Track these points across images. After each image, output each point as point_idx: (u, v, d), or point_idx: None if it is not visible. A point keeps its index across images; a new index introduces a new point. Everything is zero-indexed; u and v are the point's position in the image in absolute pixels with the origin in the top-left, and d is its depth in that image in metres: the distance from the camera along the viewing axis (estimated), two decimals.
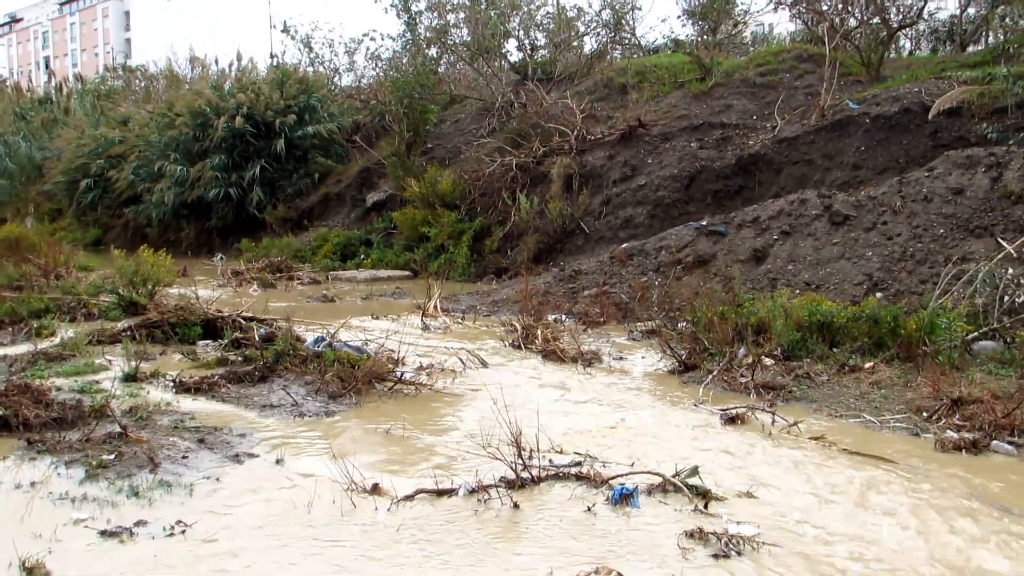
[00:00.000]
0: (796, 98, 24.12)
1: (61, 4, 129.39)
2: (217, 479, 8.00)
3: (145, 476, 7.96)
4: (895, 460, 8.63)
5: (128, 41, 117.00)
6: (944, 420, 9.75)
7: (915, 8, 26.24)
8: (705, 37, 30.87)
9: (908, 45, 32.87)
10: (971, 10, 28.97)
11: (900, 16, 26.23)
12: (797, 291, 15.21)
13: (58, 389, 10.69)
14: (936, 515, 7.32)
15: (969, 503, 7.58)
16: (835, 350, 12.31)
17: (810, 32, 28.85)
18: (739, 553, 6.49)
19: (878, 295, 14.54)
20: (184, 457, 8.54)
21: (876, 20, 25.73)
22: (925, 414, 9.97)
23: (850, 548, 6.67)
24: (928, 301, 13.15)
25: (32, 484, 7.77)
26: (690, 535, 6.73)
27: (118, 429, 9.00)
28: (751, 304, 13.93)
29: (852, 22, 26.15)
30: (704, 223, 18.91)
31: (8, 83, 65.45)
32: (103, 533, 6.75)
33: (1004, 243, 14.31)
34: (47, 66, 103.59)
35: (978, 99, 19.12)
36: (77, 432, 9.09)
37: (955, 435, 9.26)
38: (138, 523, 6.92)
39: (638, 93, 26.40)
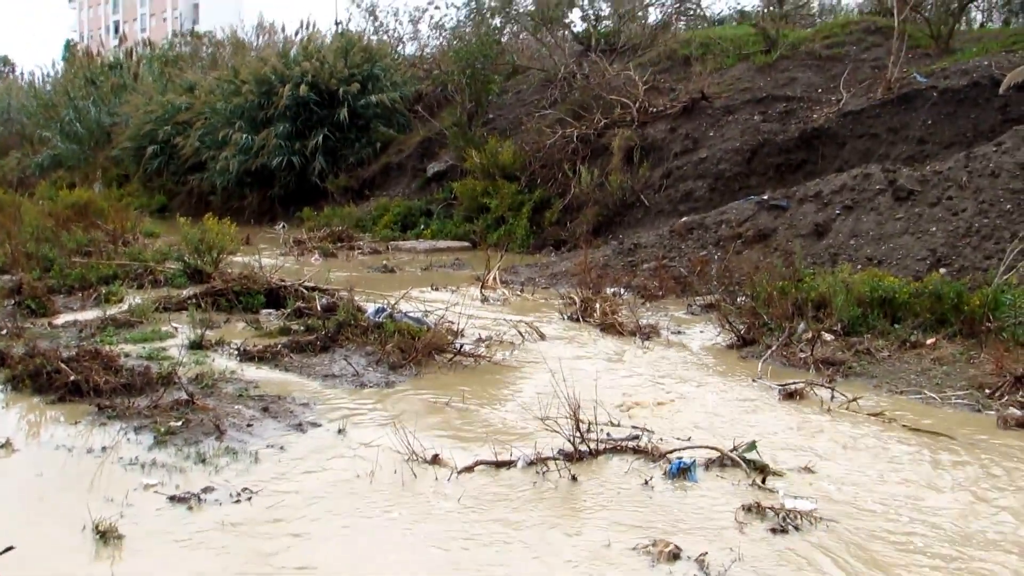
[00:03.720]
0: (862, 71, 23.82)
1: None
2: (281, 447, 8.17)
3: (211, 443, 8.16)
4: (955, 437, 8.61)
5: (196, 7, 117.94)
6: (1007, 397, 9.68)
7: None
8: (771, 8, 30.56)
9: (980, 17, 32.35)
10: None
11: None
12: (859, 266, 15.11)
13: (127, 355, 10.93)
14: (996, 491, 7.31)
15: None
16: (897, 326, 12.21)
17: (879, 3, 28.45)
18: (796, 528, 6.53)
19: (942, 271, 14.40)
20: (249, 425, 8.72)
21: None
22: (987, 391, 9.90)
23: (908, 524, 6.69)
24: (992, 277, 13.01)
25: (103, 449, 7.99)
26: (747, 509, 6.78)
27: (185, 396, 9.20)
28: (811, 279, 13.86)
29: None
30: (765, 197, 18.79)
31: (79, 48, 66.30)
32: (172, 498, 6.93)
33: None
34: (117, 31, 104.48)
35: None
36: (145, 398, 9.29)
37: (1018, 412, 9.21)
38: (205, 489, 7.09)
39: (702, 65, 26.19)
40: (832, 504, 6.98)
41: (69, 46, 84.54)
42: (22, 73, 63.87)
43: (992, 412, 9.35)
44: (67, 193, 26.42)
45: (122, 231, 21.26)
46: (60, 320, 13.60)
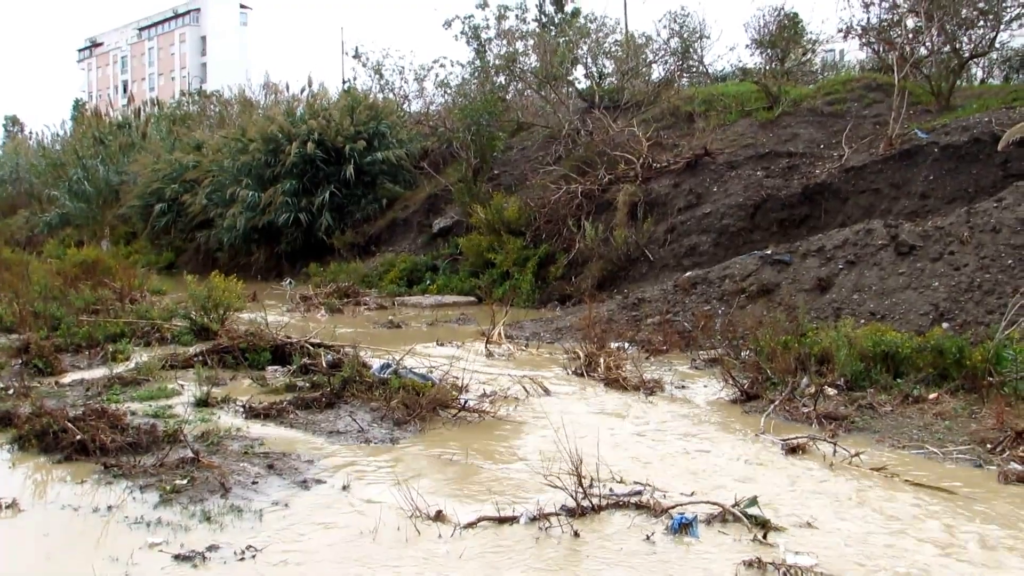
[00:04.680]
0: (864, 127, 24.03)
1: (140, 29, 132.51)
2: (286, 505, 8.22)
3: (216, 501, 8.21)
4: (957, 492, 8.64)
5: (204, 66, 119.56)
6: (1008, 452, 9.71)
7: (987, 38, 25.96)
8: (773, 65, 30.85)
9: (980, 73, 32.57)
10: None
11: (972, 45, 26.01)
12: (862, 321, 15.18)
13: (133, 413, 11.00)
14: (998, 548, 7.33)
15: None
16: (899, 380, 12.28)
17: (880, 61, 28.70)
18: None
19: (944, 325, 14.46)
20: (254, 482, 8.78)
21: (947, 49, 25.54)
22: (989, 446, 9.93)
23: None
24: (995, 332, 13.05)
25: (109, 508, 8.05)
26: (748, 565, 6.82)
27: (190, 454, 9.27)
28: (814, 334, 13.95)
29: (923, 51, 25.96)
30: (769, 252, 18.90)
31: (88, 107, 66.93)
32: (177, 557, 6.99)
33: None
34: (125, 90, 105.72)
35: None
36: (151, 456, 9.36)
37: (1019, 467, 9.24)
38: (210, 547, 7.14)
39: (705, 121, 26.45)
40: (834, 559, 7.01)
41: (78, 105, 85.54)
42: (31, 132, 64.47)
43: (993, 467, 9.38)
44: (75, 251, 26.60)
45: (129, 289, 21.41)
46: (67, 379, 13.68)
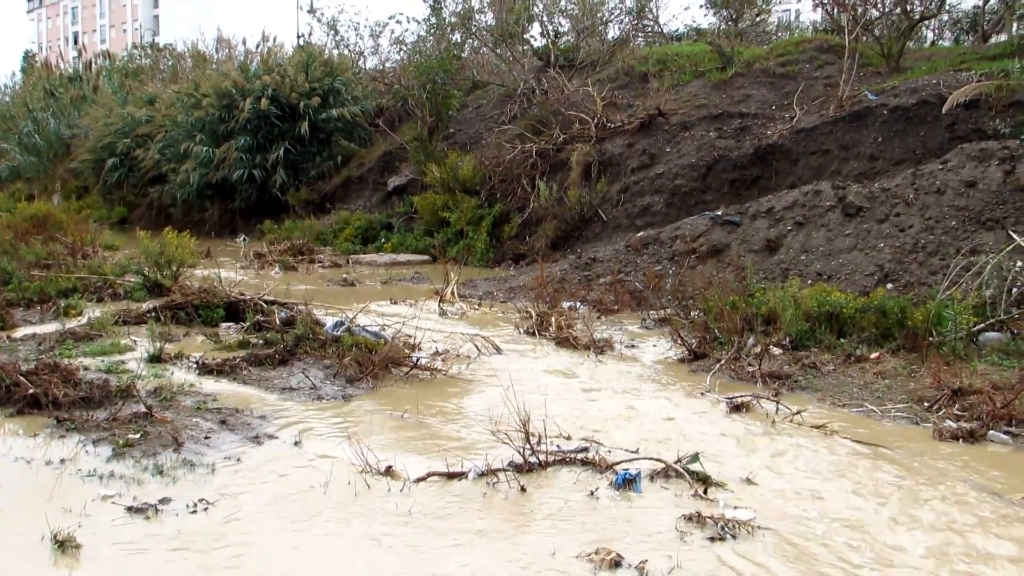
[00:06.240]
0: (815, 89, 24.23)
1: None
2: (238, 459, 8.34)
3: (169, 455, 8.32)
4: (893, 448, 8.91)
5: (156, 18, 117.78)
6: (944, 410, 10.01)
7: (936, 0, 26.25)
8: (727, 26, 30.97)
9: (930, 35, 32.87)
10: (993, 0, 28.99)
11: (922, 7, 26.27)
12: (809, 281, 15.45)
13: (86, 369, 11.04)
14: (929, 501, 7.60)
15: (962, 490, 7.86)
16: (843, 340, 12.57)
17: (832, 22, 28.90)
18: (734, 536, 6.79)
19: (888, 286, 14.76)
20: (206, 437, 8.89)
21: (898, 11, 25.78)
22: (926, 404, 10.23)
23: (843, 533, 6.96)
24: (936, 293, 13.35)
25: (61, 461, 8.13)
26: (688, 519, 7.03)
27: (143, 409, 9.35)
28: (762, 294, 14.19)
29: (874, 13, 26.18)
30: (719, 213, 19.12)
31: (38, 59, 65.95)
32: (130, 509, 7.10)
33: (1015, 235, 14.50)
34: (76, 42, 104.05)
35: (996, 92, 19.21)
36: (104, 411, 9.43)
37: (953, 424, 9.54)
38: (162, 500, 7.26)
39: (659, 82, 26.52)
40: (772, 514, 7.24)
41: (27, 57, 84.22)
42: None
43: (929, 425, 9.66)
44: (25, 205, 26.44)
45: (81, 244, 21.32)
46: (19, 333, 13.66)
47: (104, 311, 14.71)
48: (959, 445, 9.09)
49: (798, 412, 9.90)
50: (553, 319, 14.52)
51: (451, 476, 7.90)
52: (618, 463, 8.11)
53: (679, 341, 13.06)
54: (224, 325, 14.54)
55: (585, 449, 8.61)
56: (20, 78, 56.38)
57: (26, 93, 47.57)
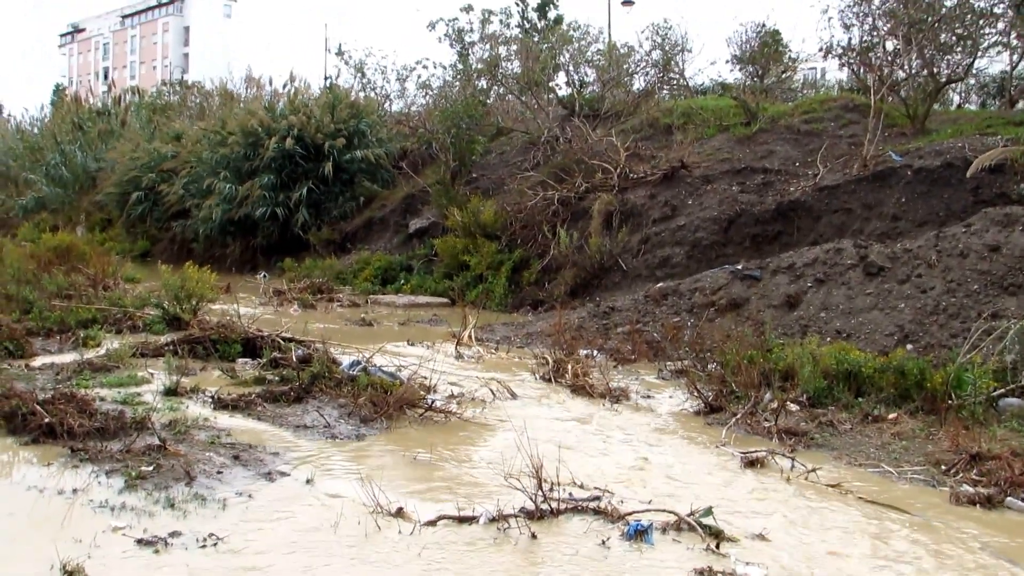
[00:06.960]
0: (839, 147, 24.24)
1: (123, 17, 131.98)
2: (249, 495, 8.32)
3: (181, 489, 8.31)
4: (909, 510, 8.82)
5: (186, 56, 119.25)
6: (962, 474, 9.88)
7: (964, 63, 26.24)
8: (753, 81, 31.07)
9: (956, 99, 32.89)
10: (1022, 66, 28.97)
11: (949, 70, 26.28)
12: (828, 339, 15.36)
13: (102, 399, 11.08)
14: (945, 565, 7.51)
15: (978, 556, 7.77)
16: (860, 399, 12.47)
17: (858, 82, 28.94)
18: None
19: (908, 347, 14.67)
20: (219, 472, 8.88)
21: (924, 73, 25.81)
22: (943, 467, 10.12)
23: None
24: (957, 355, 13.25)
25: (74, 491, 8.14)
26: (700, 573, 6.97)
27: (157, 442, 9.36)
28: (780, 349, 14.13)
29: (900, 74, 26.21)
30: (739, 267, 19.09)
31: (68, 93, 66.61)
32: (139, 542, 7.09)
33: None
34: (106, 77, 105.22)
35: (1021, 158, 19.16)
36: (118, 442, 9.46)
37: (971, 489, 9.42)
38: (173, 534, 7.25)
39: (683, 134, 26.58)
40: (783, 572, 7.17)
41: (58, 90, 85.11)
42: (10, 116, 64.06)
43: (946, 488, 9.56)
44: (50, 236, 26.56)
45: (103, 276, 21.39)
46: (37, 362, 13.72)
47: (122, 343, 14.74)
48: (976, 510, 8.98)
49: (813, 470, 9.82)
50: (570, 366, 14.48)
51: (462, 520, 7.87)
52: (630, 513, 8.05)
53: (695, 393, 13.00)
54: (241, 360, 14.55)
55: (598, 498, 8.56)
56: (50, 111, 56.91)
57: (55, 126, 48.07)
